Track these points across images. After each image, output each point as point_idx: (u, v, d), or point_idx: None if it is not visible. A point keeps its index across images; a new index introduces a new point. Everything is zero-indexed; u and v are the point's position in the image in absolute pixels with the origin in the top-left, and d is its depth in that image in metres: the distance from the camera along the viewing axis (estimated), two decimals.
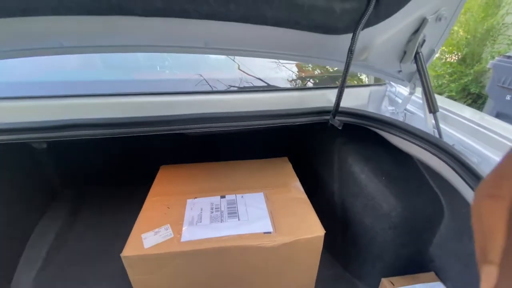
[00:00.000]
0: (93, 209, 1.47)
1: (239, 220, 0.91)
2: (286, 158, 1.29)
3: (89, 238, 1.30)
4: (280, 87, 1.17)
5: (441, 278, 0.99)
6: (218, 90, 1.08)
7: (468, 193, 0.74)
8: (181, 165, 1.24)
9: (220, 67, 1.59)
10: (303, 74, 1.53)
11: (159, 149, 1.54)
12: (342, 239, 1.17)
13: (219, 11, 0.64)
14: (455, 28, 3.36)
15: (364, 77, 1.39)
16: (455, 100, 3.34)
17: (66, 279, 1.11)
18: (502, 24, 3.04)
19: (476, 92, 3.15)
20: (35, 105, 0.96)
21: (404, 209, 0.94)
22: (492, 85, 2.72)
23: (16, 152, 1.19)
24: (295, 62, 1.47)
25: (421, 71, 0.83)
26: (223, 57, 1.52)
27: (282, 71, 1.42)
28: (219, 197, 1.02)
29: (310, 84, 1.47)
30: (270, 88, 1.15)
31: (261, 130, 0.99)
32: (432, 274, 1.02)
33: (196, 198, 1.01)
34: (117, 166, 1.60)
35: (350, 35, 0.74)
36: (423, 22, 0.79)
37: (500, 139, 0.75)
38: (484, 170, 0.73)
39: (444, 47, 3.51)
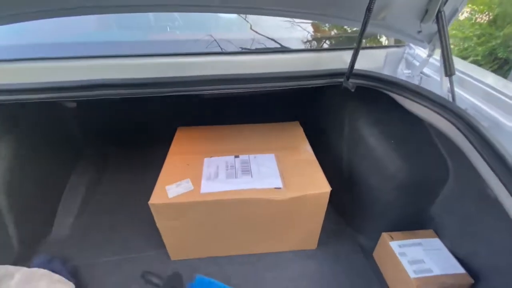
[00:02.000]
0: (116, 167, 1.60)
1: (252, 177, 0.99)
2: (297, 123, 1.33)
3: (115, 192, 1.44)
4: (293, 49, 1.15)
5: (439, 235, 1.06)
6: (231, 51, 1.08)
7: (474, 157, 0.76)
8: (197, 127, 1.31)
9: (232, 27, 1.56)
10: (318, 34, 1.48)
11: (175, 111, 1.59)
12: (347, 198, 1.24)
13: None
14: None
15: (383, 39, 1.34)
16: (480, 65, 3.16)
17: (99, 225, 1.26)
18: None
19: (504, 57, 2.95)
20: (55, 66, 1.00)
21: (410, 171, 0.98)
22: None
23: (45, 111, 1.27)
24: (310, 21, 1.41)
25: (441, 31, 0.80)
26: (234, 16, 1.48)
27: (297, 31, 1.38)
28: (233, 156, 1.09)
29: (325, 45, 1.43)
30: (283, 49, 1.14)
31: (274, 92, 1.01)
32: (430, 231, 1.09)
33: (212, 157, 1.08)
34: (135, 128, 1.68)
35: None
36: None
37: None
38: (494, 134, 0.75)
39: (475, 6, 3.22)
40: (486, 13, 3.14)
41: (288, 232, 1.08)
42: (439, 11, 0.80)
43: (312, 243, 1.15)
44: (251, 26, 1.35)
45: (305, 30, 1.40)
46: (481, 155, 0.67)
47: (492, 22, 3.11)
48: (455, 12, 0.84)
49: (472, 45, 3.16)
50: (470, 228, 0.93)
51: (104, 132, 1.67)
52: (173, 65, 1.02)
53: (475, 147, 0.69)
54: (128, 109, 1.55)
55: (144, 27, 1.44)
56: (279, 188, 0.94)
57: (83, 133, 1.60)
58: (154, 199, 0.89)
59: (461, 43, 3.29)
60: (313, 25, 1.44)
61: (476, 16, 3.23)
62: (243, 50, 1.04)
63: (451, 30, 3.37)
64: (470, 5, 3.31)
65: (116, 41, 1.24)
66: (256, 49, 1.19)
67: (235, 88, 0.93)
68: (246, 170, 1.02)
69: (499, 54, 2.97)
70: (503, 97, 0.78)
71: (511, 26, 2.85)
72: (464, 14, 3.40)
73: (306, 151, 1.15)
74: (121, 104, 0.92)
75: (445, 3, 0.80)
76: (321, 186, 0.96)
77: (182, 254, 1.09)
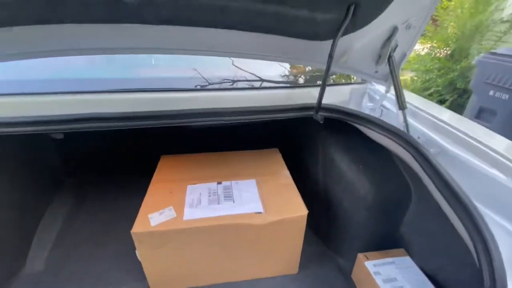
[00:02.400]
0: (97, 196, 1.60)
1: (233, 202, 1.05)
2: (276, 149, 1.42)
3: (94, 222, 1.43)
4: (270, 86, 1.28)
5: (409, 253, 1.14)
6: (214, 88, 1.20)
7: (426, 180, 0.87)
8: (181, 155, 1.37)
9: (216, 64, 1.70)
10: (295, 70, 1.64)
11: (159, 141, 1.65)
12: (325, 220, 1.31)
13: (218, 21, 0.75)
14: (445, 24, 3.47)
15: (352, 76, 1.51)
16: (441, 94, 3.48)
17: (75, 258, 1.23)
18: (491, 20, 3.15)
19: (462, 87, 3.28)
20: (48, 101, 1.06)
21: (378, 193, 1.08)
22: (477, 81, 2.86)
23: (26, 142, 1.29)
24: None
25: (393, 73, 0.95)
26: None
27: (276, 68, 1.53)
28: (216, 183, 1.15)
29: (301, 80, 1.59)
30: (261, 87, 1.27)
31: (254, 123, 1.11)
32: (402, 250, 1.17)
33: (195, 184, 1.14)
34: (118, 157, 1.71)
35: (331, 41, 0.85)
36: (394, 30, 0.90)
37: (457, 132, 0.88)
38: (440, 160, 0.86)
39: (434, 42, 3.61)
40: (444, 48, 3.54)
41: (270, 257, 1.12)
42: (389, 56, 0.95)
43: (293, 267, 1.19)
44: (233, 62, 1.49)
45: (282, 66, 1.56)
46: (430, 178, 0.78)
47: (450, 57, 3.50)
48: (403, 56, 1.00)
49: (433, 77, 3.51)
50: (434, 245, 1.02)
51: (86, 160, 1.68)
52: (160, 100, 1.12)
53: (425, 171, 0.80)
54: (112, 138, 1.59)
55: (132, 64, 1.55)
56: (260, 212, 1.01)
57: (63, 161, 1.60)
58: (137, 228, 0.92)
59: (424, 75, 3.64)
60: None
61: (436, 51, 3.62)
62: (225, 87, 1.16)
63: (414, 64, 3.74)
64: (429, 42, 3.72)
65: (104, 78, 1.33)
66: (238, 87, 1.31)
67: (218, 120, 1.02)
68: (228, 196, 1.07)
69: (458, 85, 3.30)
70: (447, 127, 0.91)
71: (467, 60, 3.21)
72: (424, 50, 3.80)
73: (285, 176, 1.23)
74: (105, 132, 0.97)
75: (394, 50, 0.95)
76: (298, 210, 1.03)
77: (163, 285, 1.09)
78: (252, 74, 1.41)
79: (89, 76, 1.33)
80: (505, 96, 2.67)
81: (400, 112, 0.97)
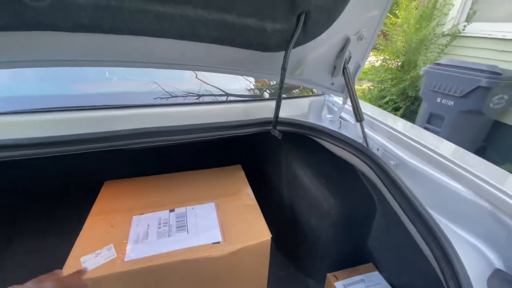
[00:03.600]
0: (32, 230, 1.36)
1: (188, 233, 0.92)
2: (239, 166, 1.33)
3: (28, 261, 1.20)
4: (226, 100, 1.20)
5: (378, 267, 1.11)
6: (163, 103, 1.08)
7: (386, 193, 0.84)
8: (127, 179, 1.20)
9: (175, 77, 1.59)
10: (259, 84, 1.59)
11: (102, 164, 1.46)
12: (293, 240, 1.24)
13: (153, 29, 0.66)
14: (394, 38, 3.73)
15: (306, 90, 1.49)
16: (395, 102, 3.70)
17: None
18: (434, 34, 3.45)
19: (413, 95, 3.52)
20: None
21: (342, 207, 1.04)
22: (425, 89, 3.08)
23: None
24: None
25: (348, 84, 0.93)
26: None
27: (241, 81, 1.46)
28: (167, 211, 1.01)
29: (266, 95, 1.53)
30: (216, 101, 1.18)
31: (209, 141, 1.02)
32: (370, 265, 1.13)
33: (142, 214, 0.99)
34: (56, 185, 1.48)
35: (283, 53, 0.80)
36: (347, 41, 0.88)
37: (412, 142, 0.87)
38: (400, 172, 0.84)
39: (386, 55, 3.87)
40: (395, 60, 3.80)
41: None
42: (344, 68, 0.93)
43: None
44: (196, 75, 1.39)
45: (246, 79, 1.49)
46: (389, 192, 0.74)
47: (401, 68, 3.76)
48: (358, 67, 0.99)
49: (388, 86, 3.73)
50: (402, 259, 0.99)
51: (20, 189, 1.44)
52: (103, 119, 0.96)
53: (384, 185, 0.77)
54: (48, 164, 1.37)
55: (74, 78, 1.36)
56: (218, 242, 0.90)
57: None
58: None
59: (379, 85, 3.87)
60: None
61: (388, 62, 3.88)
62: (175, 102, 1.04)
63: (369, 74, 3.95)
64: (382, 54, 3.98)
65: (36, 96, 1.13)
66: (191, 102, 1.20)
67: (167, 140, 0.91)
68: (182, 226, 0.95)
69: (409, 93, 3.54)
70: (404, 138, 0.90)
71: (415, 70, 3.47)
72: (378, 62, 4.06)
73: (247, 195, 1.13)
74: (38, 159, 0.81)
75: (348, 61, 0.93)
76: (261, 234, 0.94)
77: None
78: (216, 87, 1.32)
79: (11, 94, 1.13)
80: (450, 103, 2.90)
81: (357, 124, 0.95)
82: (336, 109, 1.16)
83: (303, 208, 1.15)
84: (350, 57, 0.93)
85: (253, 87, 1.50)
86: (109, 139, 0.82)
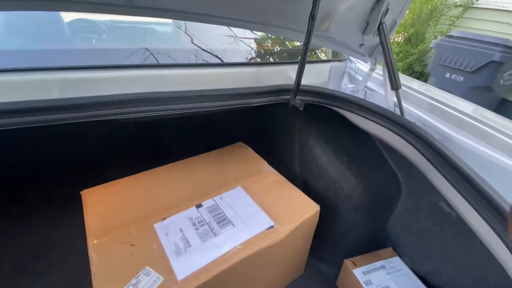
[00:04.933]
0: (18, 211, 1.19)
1: (234, 226, 0.77)
2: (241, 143, 1.18)
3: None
4: (234, 62, 1.01)
5: (397, 252, 1.02)
6: (161, 64, 0.88)
7: (429, 171, 0.72)
8: (113, 182, 0.90)
9: (169, 40, 1.38)
10: (262, 50, 1.40)
11: (68, 163, 1.17)
12: None
13: None
14: None
15: (322, 55, 1.32)
16: None
17: None
18: (445, 5, 3.23)
19: (419, 70, 3.36)
20: None
21: (366, 190, 0.92)
22: (434, 64, 2.92)
23: None
24: (252, 38, 1.33)
25: (384, 43, 0.77)
26: (171, 29, 1.31)
27: (240, 47, 1.27)
28: (194, 207, 0.82)
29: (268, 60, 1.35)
30: (223, 63, 0.99)
31: (208, 115, 0.86)
32: (389, 249, 1.04)
33: (165, 219, 0.78)
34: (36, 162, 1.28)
35: (311, 2, 0.63)
36: None
37: (462, 116, 0.73)
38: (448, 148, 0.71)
39: None
40: (402, 33, 3.58)
41: (287, 268, 0.93)
42: (380, 23, 0.76)
43: (300, 269, 1.04)
44: (192, 39, 1.18)
45: (248, 46, 1.30)
46: (437, 169, 0.62)
47: (407, 41, 3.55)
48: (394, 24, 0.83)
49: None
50: (428, 244, 0.90)
51: None
52: (81, 81, 0.77)
53: (431, 163, 0.64)
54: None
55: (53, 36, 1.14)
56: (272, 227, 0.77)
57: None
58: None
59: None
60: (256, 41, 1.35)
61: (394, 35, 3.66)
62: (174, 63, 0.85)
63: None
64: None
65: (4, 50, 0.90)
66: (193, 63, 1.01)
67: (163, 110, 0.74)
68: (222, 220, 0.79)
69: (415, 68, 3.38)
70: (449, 110, 0.76)
71: (423, 44, 3.28)
72: None
73: (270, 172, 1.00)
74: None
75: (385, 15, 0.77)
76: (309, 207, 0.86)
77: None
78: (214, 55, 1.12)
79: None
80: (460, 78, 2.76)
81: (392, 92, 0.80)
82: (359, 77, 1.00)
83: (319, 190, 1.03)
84: (387, 11, 0.77)
85: (254, 54, 1.32)
86: (89, 107, 0.65)
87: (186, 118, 1.13)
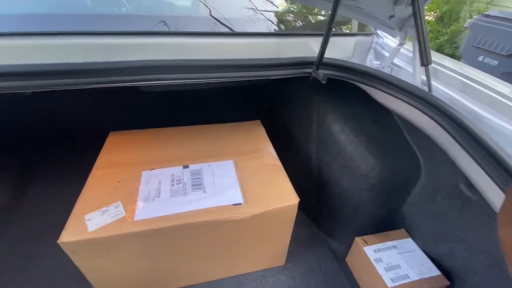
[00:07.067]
0: (38, 181, 1.30)
1: (204, 192, 0.81)
2: (258, 121, 1.17)
3: (38, 214, 1.17)
4: (255, 32, 0.97)
5: (411, 234, 1.02)
6: (178, 31, 0.87)
7: (455, 152, 0.69)
8: (135, 130, 1.06)
9: (187, 13, 1.36)
10: (282, 26, 1.35)
11: (108, 111, 1.33)
12: (317, 200, 1.14)
13: None
14: None
15: (347, 32, 1.25)
16: None
17: (16, 255, 1.01)
18: None
19: (450, 52, 3.15)
20: None
21: (383, 170, 0.91)
22: (467, 45, 2.72)
23: None
24: (273, 10, 1.27)
25: (417, 14, 0.72)
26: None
27: (260, 20, 1.22)
28: (181, 167, 0.89)
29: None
30: (242, 32, 0.96)
31: (230, 86, 0.85)
32: (402, 231, 1.04)
33: (153, 169, 0.88)
34: (58, 134, 1.39)
35: None
36: None
37: (499, 97, 0.69)
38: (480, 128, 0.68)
39: None
40: (434, 11, 3.33)
41: (251, 253, 0.93)
42: None
43: (279, 259, 1.02)
44: (210, 11, 1.16)
45: (268, 19, 1.25)
46: (467, 152, 0.59)
47: (439, 20, 3.31)
48: None
49: None
50: (443, 227, 0.89)
51: (21, 135, 1.35)
52: (104, 47, 0.78)
53: (459, 143, 0.61)
54: (45, 104, 1.26)
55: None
56: (239, 204, 0.78)
57: None
58: (66, 236, 0.65)
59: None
60: (277, 14, 1.30)
61: (426, 12, 3.41)
62: (194, 32, 0.84)
63: None
64: None
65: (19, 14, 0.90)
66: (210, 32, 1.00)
67: (183, 78, 0.74)
68: (198, 184, 0.83)
69: (445, 50, 3.16)
70: (482, 89, 0.72)
71: (457, 23, 3.04)
72: None
73: (269, 154, 1.00)
74: (34, 98, 0.67)
75: None
76: (288, 198, 0.82)
77: None
78: (230, 29, 1.09)
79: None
80: (494, 62, 2.57)
81: (420, 69, 0.76)
82: (386, 53, 0.95)
83: (335, 168, 1.02)
84: None
85: (274, 25, 1.27)
86: (109, 72, 0.66)
87: (204, 91, 1.14)
